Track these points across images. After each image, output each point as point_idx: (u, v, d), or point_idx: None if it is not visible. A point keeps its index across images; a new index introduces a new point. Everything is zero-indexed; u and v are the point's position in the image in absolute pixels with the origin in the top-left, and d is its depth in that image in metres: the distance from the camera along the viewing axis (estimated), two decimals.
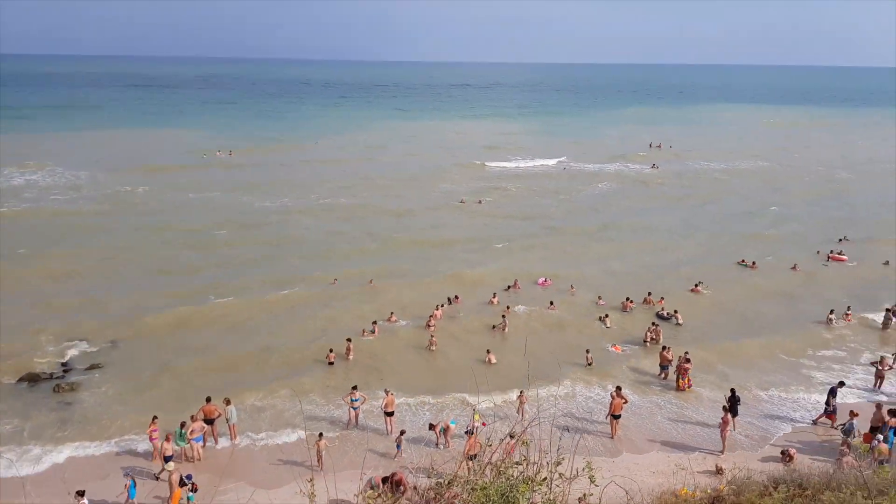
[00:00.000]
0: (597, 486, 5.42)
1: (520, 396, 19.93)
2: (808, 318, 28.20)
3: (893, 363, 23.09)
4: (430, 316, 26.81)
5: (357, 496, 8.45)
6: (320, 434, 17.65)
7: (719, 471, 16.72)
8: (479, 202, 49.35)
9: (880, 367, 22.40)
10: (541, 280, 32.13)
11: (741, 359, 24.56)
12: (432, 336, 25.19)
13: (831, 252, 36.62)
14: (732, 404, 19.56)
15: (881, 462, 14.62)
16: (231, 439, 18.57)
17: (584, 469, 5.42)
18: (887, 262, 35.16)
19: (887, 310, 27.67)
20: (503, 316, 27.05)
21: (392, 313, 27.51)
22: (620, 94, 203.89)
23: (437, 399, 21.15)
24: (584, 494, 5.27)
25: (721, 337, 26.40)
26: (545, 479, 5.42)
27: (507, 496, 5.19)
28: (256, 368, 23.09)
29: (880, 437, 17.46)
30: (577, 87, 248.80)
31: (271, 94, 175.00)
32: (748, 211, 48.10)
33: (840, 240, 39.12)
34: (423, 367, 23.67)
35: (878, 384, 22.26)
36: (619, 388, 19.92)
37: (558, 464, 5.46)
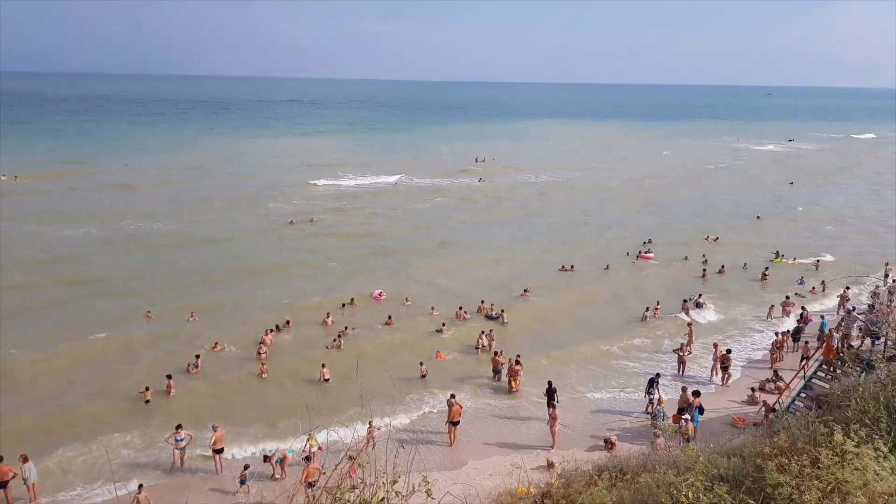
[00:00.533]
0: (434, 498, 5.39)
1: (369, 429, 19.19)
2: (623, 316, 30.70)
3: (688, 346, 25.84)
4: (260, 343, 25.65)
5: None
6: (140, 486, 16.11)
7: (550, 465, 17.58)
8: (311, 221, 48.03)
9: (681, 353, 25.03)
10: (376, 293, 32.09)
11: (570, 358, 26.04)
12: (263, 364, 24.09)
13: (639, 252, 40.69)
14: (550, 396, 20.89)
15: (688, 440, 16.19)
16: (30, 502, 16.34)
17: (420, 484, 5.36)
18: (686, 258, 39.67)
19: (684, 301, 31.15)
20: (339, 335, 26.61)
21: (216, 343, 25.96)
22: (450, 111, 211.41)
23: (271, 429, 20.19)
24: None
25: (549, 339, 27.89)
26: (382, 499, 5.28)
27: None
28: (66, 422, 20.43)
29: (686, 417, 19.38)
30: (405, 104, 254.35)
31: (71, 112, 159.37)
32: (571, 221, 51.48)
33: (645, 242, 43.24)
34: (255, 396, 22.51)
35: (681, 369, 24.79)
36: (452, 395, 20.32)
37: (395, 482, 5.34)
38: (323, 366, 23.45)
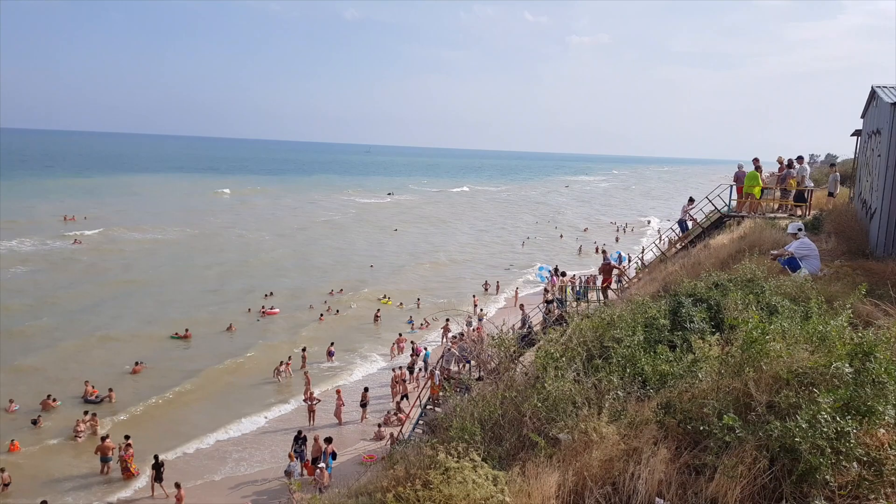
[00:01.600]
0: None
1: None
2: (255, 379, 30.30)
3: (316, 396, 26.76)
4: None
5: None
6: None
7: None
8: None
9: (310, 403, 25.71)
10: None
11: (187, 428, 24.58)
12: None
13: (263, 308, 40.45)
14: (157, 471, 19.82)
15: (321, 490, 16.69)
16: None
17: None
18: (311, 306, 40.92)
19: (302, 349, 32.19)
20: None
21: None
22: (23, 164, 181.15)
23: None
24: None
25: (166, 414, 25.86)
26: None
27: None
28: None
29: (322, 465, 19.96)
30: None
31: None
32: (186, 280, 48.71)
33: (266, 295, 43.32)
34: None
35: (311, 418, 25.40)
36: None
37: None
38: None
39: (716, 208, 23.33)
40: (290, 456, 20.83)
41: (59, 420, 24.59)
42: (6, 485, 19.51)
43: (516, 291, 44.85)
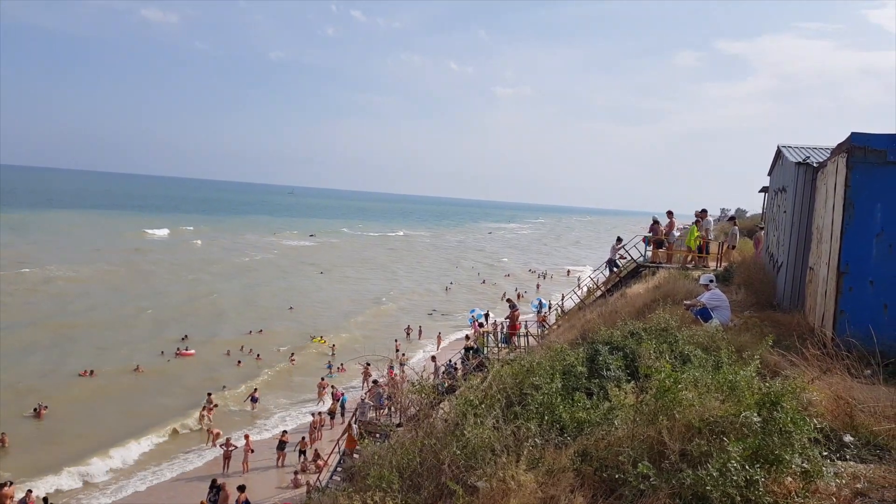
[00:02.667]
0: None
1: None
2: (165, 414, 28.68)
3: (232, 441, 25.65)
4: None
5: None
6: None
7: None
8: None
9: (226, 449, 24.57)
10: None
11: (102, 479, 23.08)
12: None
13: (177, 350, 38.57)
14: None
15: None
16: None
17: None
18: (228, 352, 39.37)
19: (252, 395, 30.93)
20: None
21: None
22: None
23: None
24: None
25: (65, 452, 24.24)
26: None
27: None
28: None
29: None
30: None
31: None
32: (115, 322, 46.00)
33: (183, 337, 41.62)
34: None
35: (226, 465, 24.25)
36: None
37: None
38: None
39: (631, 258, 24.22)
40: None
41: None
42: None
43: (439, 336, 44.80)
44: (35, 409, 27.86)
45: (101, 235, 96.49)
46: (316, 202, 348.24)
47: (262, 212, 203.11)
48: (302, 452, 25.22)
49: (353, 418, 21.14)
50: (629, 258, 24.73)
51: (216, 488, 20.58)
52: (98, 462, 23.98)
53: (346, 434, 20.79)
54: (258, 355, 38.95)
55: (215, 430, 26.40)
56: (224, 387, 32.06)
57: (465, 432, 7.96)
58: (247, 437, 25.44)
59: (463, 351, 25.13)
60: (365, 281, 74.76)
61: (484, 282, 76.90)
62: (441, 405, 12.68)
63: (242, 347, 40.16)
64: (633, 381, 8.26)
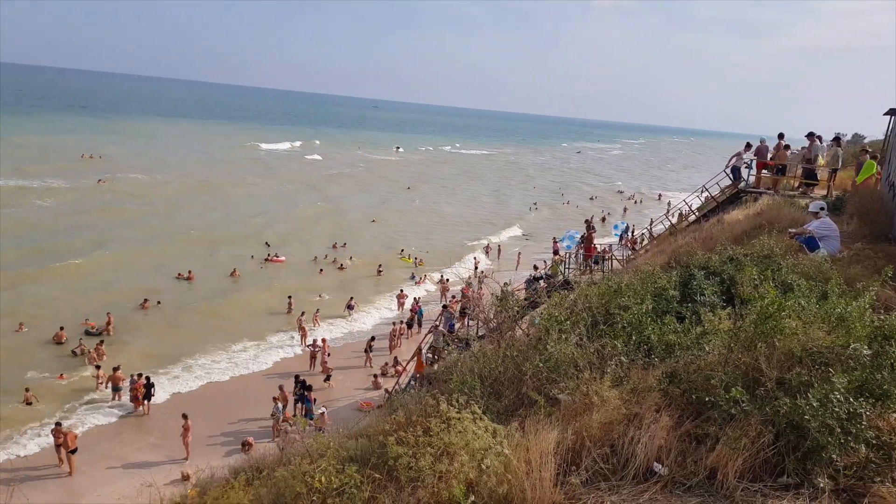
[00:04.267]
0: None
1: None
2: (262, 314, 30.44)
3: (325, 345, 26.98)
4: None
5: None
6: None
7: (186, 477, 16.68)
8: None
9: (313, 349, 25.92)
10: None
11: (193, 366, 24.84)
12: None
13: (268, 255, 40.35)
14: (147, 390, 20.77)
15: (320, 429, 16.91)
16: None
17: None
18: (315, 258, 40.82)
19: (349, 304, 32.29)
20: None
21: None
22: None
23: None
24: None
25: (172, 349, 26.13)
26: None
27: None
28: None
29: (323, 409, 20.27)
30: None
31: None
32: (196, 220, 48.95)
33: (268, 243, 43.17)
34: None
35: (312, 364, 25.66)
36: (58, 423, 17.78)
37: None
38: None
39: (733, 182, 22.97)
40: (274, 399, 20.91)
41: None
42: (29, 403, 20.32)
43: (518, 255, 44.80)
44: (143, 302, 30.25)
45: (215, 146, 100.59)
46: (401, 116, 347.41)
47: (348, 125, 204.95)
48: (368, 350, 26.40)
49: (424, 340, 21.74)
50: (735, 179, 23.03)
51: (300, 383, 21.86)
52: (194, 351, 25.90)
53: (417, 358, 21.40)
54: (341, 265, 40.13)
55: (306, 330, 27.78)
56: (320, 296, 33.51)
57: (547, 347, 7.99)
58: (324, 340, 26.46)
59: (529, 281, 24.95)
60: (447, 197, 75.03)
61: (568, 203, 75.49)
62: (522, 320, 12.78)
63: (326, 257, 41.39)
64: (728, 308, 7.98)
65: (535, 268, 31.89)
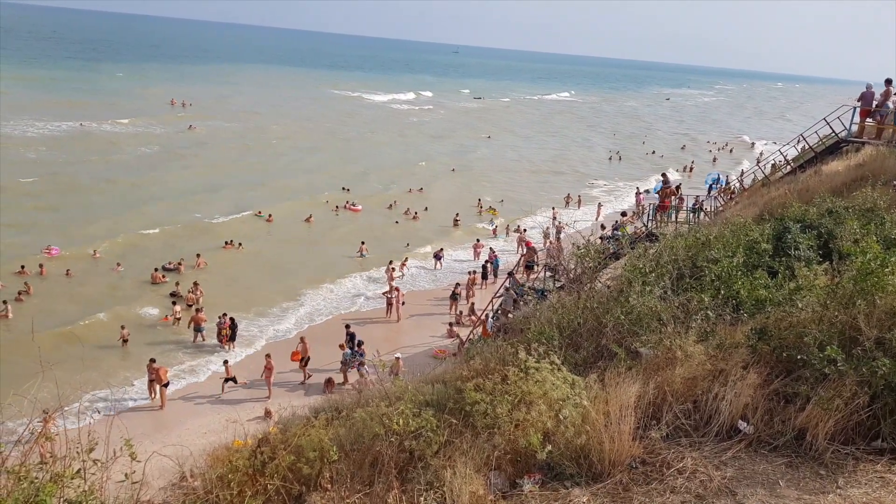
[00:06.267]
0: (139, 461, 4.98)
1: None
2: (336, 257, 31.36)
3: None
4: None
5: None
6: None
7: (268, 414, 17.52)
8: None
9: (390, 297, 26.42)
10: (53, 250, 28.27)
11: (275, 307, 25.80)
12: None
13: (346, 203, 40.92)
14: (233, 331, 21.75)
15: (395, 374, 17.36)
16: None
17: (122, 448, 4.90)
18: (390, 206, 41.18)
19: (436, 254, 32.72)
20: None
21: None
22: (138, 49, 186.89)
23: None
24: (127, 474, 4.76)
25: (255, 289, 27.20)
26: (78, 471, 4.70)
27: (33, 503, 4.32)
28: None
29: (399, 354, 20.76)
30: (84, 39, 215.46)
31: None
32: (282, 166, 50.40)
33: (345, 188, 43.77)
34: None
35: (388, 311, 26.17)
36: (152, 360, 18.96)
37: (91, 450, 4.79)
38: None
39: (833, 131, 21.44)
40: (340, 346, 21.25)
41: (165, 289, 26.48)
42: (125, 340, 21.60)
43: (599, 206, 43.75)
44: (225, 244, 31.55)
45: (296, 90, 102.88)
46: (481, 62, 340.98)
47: (427, 71, 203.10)
48: (454, 297, 26.56)
49: (490, 306, 21.65)
50: (835, 130, 21.35)
51: (350, 335, 21.84)
52: (275, 298, 26.76)
53: (482, 325, 21.31)
54: (415, 214, 40.14)
55: (394, 277, 28.21)
56: (407, 244, 34.03)
57: (629, 299, 7.82)
58: (397, 289, 26.77)
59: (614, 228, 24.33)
60: (527, 146, 73.66)
61: (653, 152, 72.54)
62: (602, 272, 12.55)
63: (407, 211, 41.08)
64: (825, 263, 7.55)
65: (623, 214, 31.07)
